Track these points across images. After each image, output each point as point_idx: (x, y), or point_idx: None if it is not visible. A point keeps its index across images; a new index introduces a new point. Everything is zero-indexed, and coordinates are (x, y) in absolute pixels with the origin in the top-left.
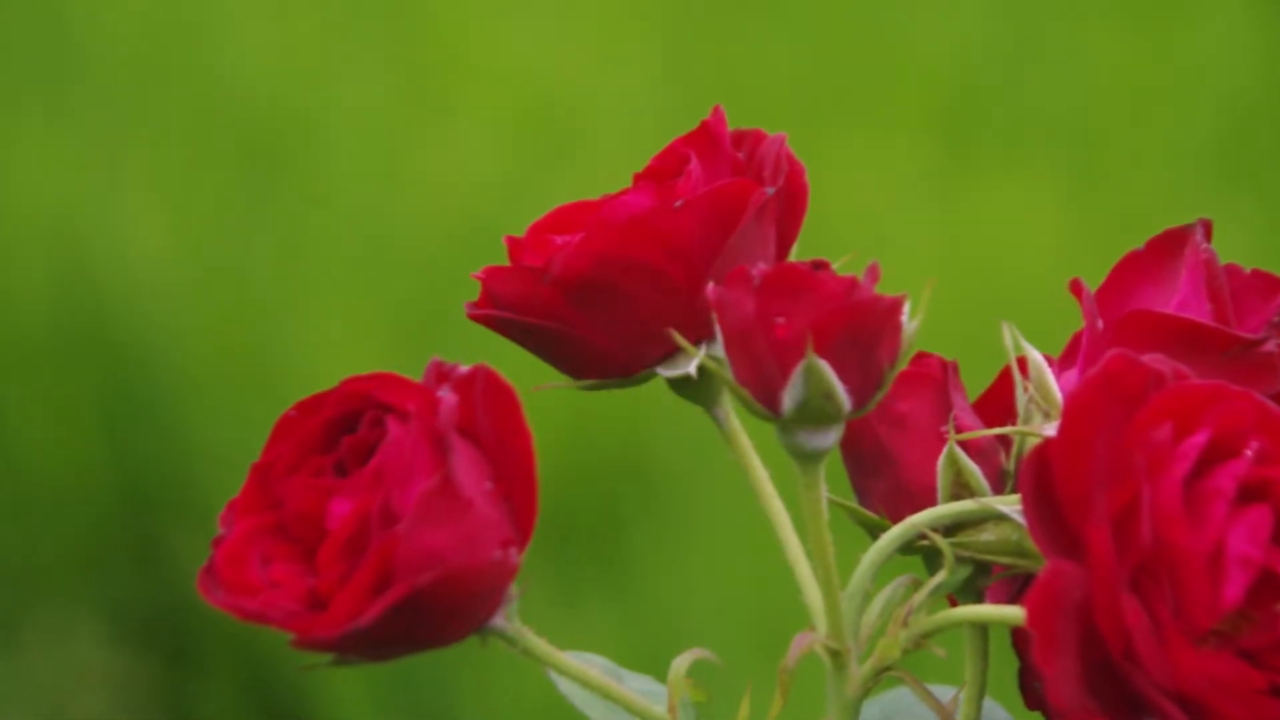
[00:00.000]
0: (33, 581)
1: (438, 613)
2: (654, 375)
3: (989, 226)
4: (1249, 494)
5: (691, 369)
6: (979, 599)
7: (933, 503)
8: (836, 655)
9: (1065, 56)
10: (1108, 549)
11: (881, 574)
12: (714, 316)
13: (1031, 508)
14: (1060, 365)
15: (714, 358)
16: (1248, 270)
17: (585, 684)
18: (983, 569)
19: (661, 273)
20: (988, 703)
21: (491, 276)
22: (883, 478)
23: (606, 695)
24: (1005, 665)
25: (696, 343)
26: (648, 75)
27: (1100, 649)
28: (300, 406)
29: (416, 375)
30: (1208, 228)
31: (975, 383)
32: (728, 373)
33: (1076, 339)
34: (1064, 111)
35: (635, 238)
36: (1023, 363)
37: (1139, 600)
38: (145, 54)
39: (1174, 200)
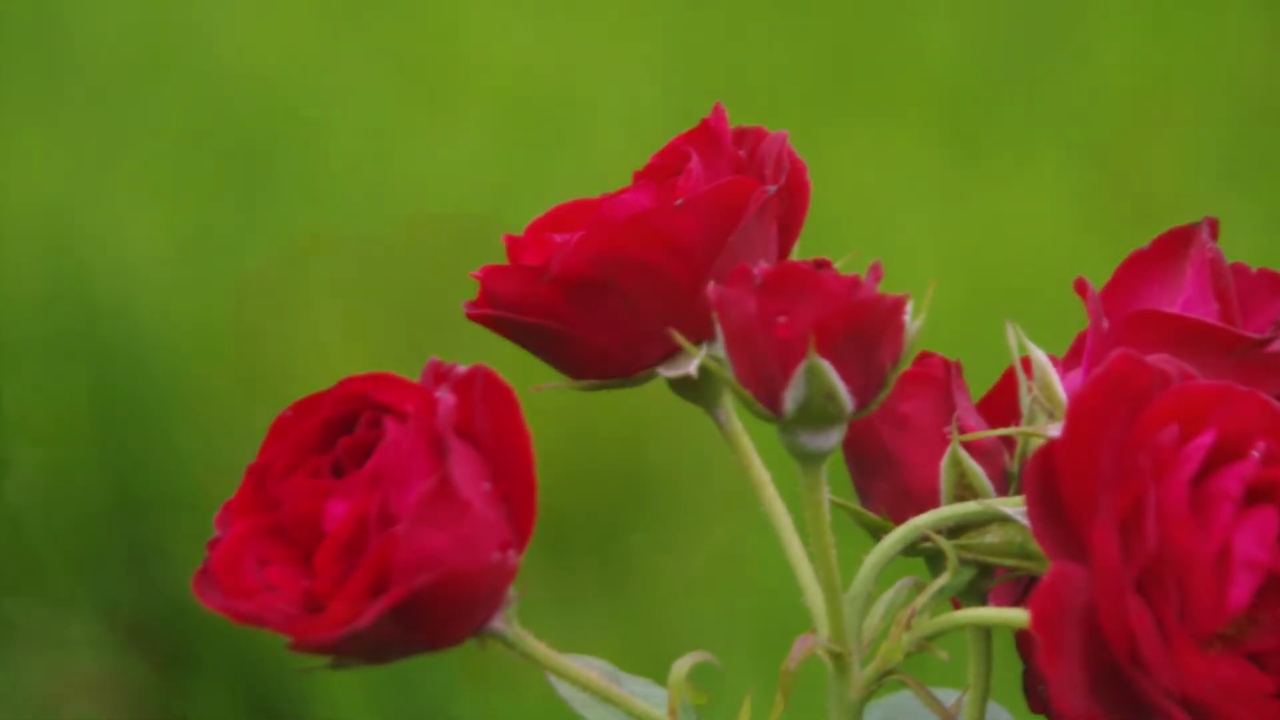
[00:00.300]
0: (28, 583)
1: (436, 615)
2: (654, 375)
3: (996, 224)
4: (1255, 496)
5: (692, 369)
6: (983, 601)
7: (936, 504)
8: (838, 658)
9: (1074, 52)
10: (1113, 551)
11: (884, 576)
12: (715, 316)
13: (1036, 509)
14: (1065, 365)
15: (715, 358)
16: (1254, 269)
17: (585, 687)
18: (986, 571)
19: (662, 272)
20: (991, 706)
21: (490, 276)
22: (885, 479)
23: (606, 698)
24: (1009, 668)
25: (697, 343)
26: (648, 72)
27: (1105, 652)
28: (297, 407)
29: (414, 375)
30: (1214, 226)
31: (985, 382)
32: (729, 373)
33: (1081, 339)
34: (1073, 107)
35: (636, 236)
36: (1027, 363)
37: (1144, 603)
38: (138, 53)
39: (1183, 197)
